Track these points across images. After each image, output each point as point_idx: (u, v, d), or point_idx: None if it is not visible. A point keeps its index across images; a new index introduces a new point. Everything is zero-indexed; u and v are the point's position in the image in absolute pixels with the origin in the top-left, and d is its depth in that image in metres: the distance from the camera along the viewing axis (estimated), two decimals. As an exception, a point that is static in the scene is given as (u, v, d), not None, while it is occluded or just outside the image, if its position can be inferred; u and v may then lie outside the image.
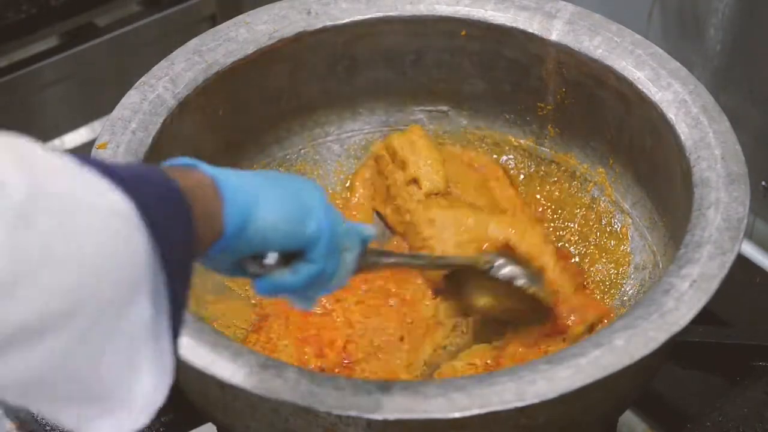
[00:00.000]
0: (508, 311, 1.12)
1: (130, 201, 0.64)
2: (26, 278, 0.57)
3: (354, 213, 1.26)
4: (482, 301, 1.12)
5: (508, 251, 1.13)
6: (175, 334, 0.68)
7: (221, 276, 0.86)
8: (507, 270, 1.09)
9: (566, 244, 1.25)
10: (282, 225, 0.78)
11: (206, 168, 0.75)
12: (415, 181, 1.21)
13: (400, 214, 1.22)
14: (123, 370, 0.64)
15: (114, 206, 0.63)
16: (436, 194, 1.20)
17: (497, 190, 1.25)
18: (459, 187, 1.23)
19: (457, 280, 1.13)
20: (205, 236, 0.72)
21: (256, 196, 0.77)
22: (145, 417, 0.66)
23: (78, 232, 0.60)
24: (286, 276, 0.81)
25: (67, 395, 0.63)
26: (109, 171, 0.64)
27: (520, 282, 1.09)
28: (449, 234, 1.15)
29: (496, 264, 1.09)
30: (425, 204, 1.18)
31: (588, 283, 1.21)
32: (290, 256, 0.81)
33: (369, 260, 0.90)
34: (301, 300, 0.86)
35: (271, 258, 0.81)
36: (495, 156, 1.29)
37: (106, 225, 0.61)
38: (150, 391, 0.65)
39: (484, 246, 1.13)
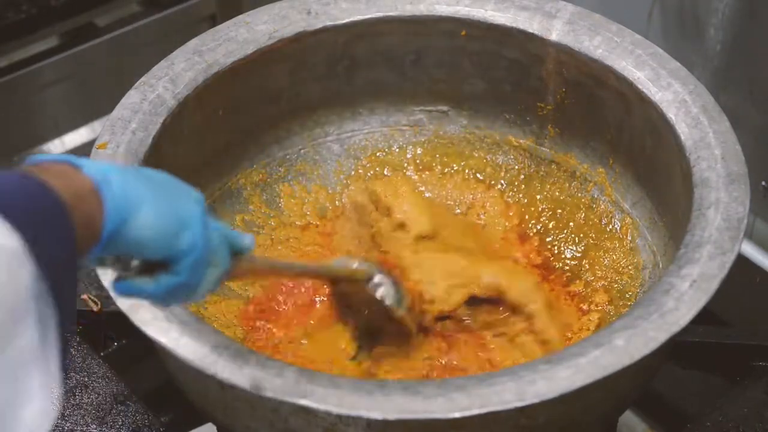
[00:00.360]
0: (378, 324, 1.12)
1: (16, 234, 0.64)
2: None
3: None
4: (359, 312, 1.12)
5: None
6: (64, 348, 0.68)
7: None
8: (380, 289, 1.08)
9: (566, 245, 1.25)
10: (157, 236, 0.78)
11: (89, 169, 0.74)
12: (402, 225, 1.19)
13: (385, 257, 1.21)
14: (5, 401, 0.64)
15: (5, 244, 0.64)
16: (424, 237, 1.18)
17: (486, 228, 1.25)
18: (446, 231, 1.21)
19: (343, 294, 1.13)
20: (83, 243, 0.73)
21: (136, 202, 0.76)
22: None
23: None
24: (147, 284, 0.81)
25: None
26: None
27: (389, 302, 1.08)
28: (438, 277, 1.14)
29: (374, 279, 1.08)
30: (414, 248, 1.17)
31: (588, 284, 1.21)
32: (155, 264, 0.81)
33: (242, 267, 0.89)
34: (158, 304, 0.86)
35: (135, 262, 0.80)
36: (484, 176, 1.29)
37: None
38: (37, 415, 0.66)
39: (474, 290, 1.13)
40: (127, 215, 0.75)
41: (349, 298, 1.12)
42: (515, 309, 1.13)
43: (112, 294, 0.83)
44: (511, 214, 1.28)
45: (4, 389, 0.64)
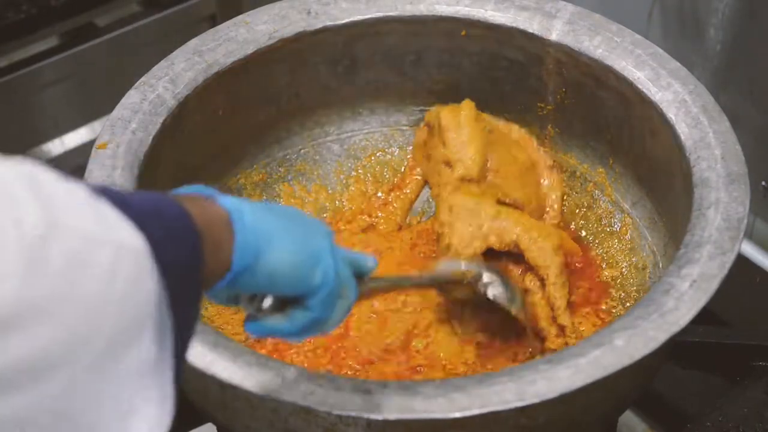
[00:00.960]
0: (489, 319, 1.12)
1: (144, 239, 0.63)
2: (34, 316, 0.57)
3: (407, 184, 1.27)
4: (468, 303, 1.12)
5: (500, 264, 1.13)
6: (178, 371, 0.67)
7: None
8: (490, 289, 1.09)
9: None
10: (291, 271, 0.77)
11: (223, 200, 0.74)
12: (449, 162, 1.20)
13: (433, 189, 1.22)
14: (117, 413, 0.63)
15: (126, 245, 0.62)
16: (470, 180, 1.18)
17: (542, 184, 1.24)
18: (500, 174, 1.20)
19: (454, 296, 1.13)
20: (212, 273, 0.72)
21: (269, 237, 0.75)
22: None
23: (89, 273, 0.60)
24: (282, 323, 0.80)
25: None
26: (124, 204, 0.64)
27: (501, 301, 1.09)
28: (462, 224, 1.14)
29: (483, 281, 1.08)
30: (453, 187, 1.18)
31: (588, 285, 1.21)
32: (286, 300, 0.80)
33: (364, 289, 0.88)
34: (290, 339, 0.86)
35: (268, 302, 0.80)
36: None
37: (116, 265, 0.61)
38: (148, 427, 0.64)
39: (493, 242, 1.13)
40: (260, 250, 0.74)
41: (461, 300, 1.12)
42: (531, 268, 1.13)
43: (247, 332, 0.82)
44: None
45: (118, 400, 0.63)
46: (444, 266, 1.11)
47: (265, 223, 0.76)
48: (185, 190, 0.76)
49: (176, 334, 0.66)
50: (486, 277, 1.09)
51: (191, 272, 0.68)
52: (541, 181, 1.24)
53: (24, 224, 0.57)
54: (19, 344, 0.56)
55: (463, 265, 1.09)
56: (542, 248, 1.12)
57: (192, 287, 0.68)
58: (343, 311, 0.84)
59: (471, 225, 1.14)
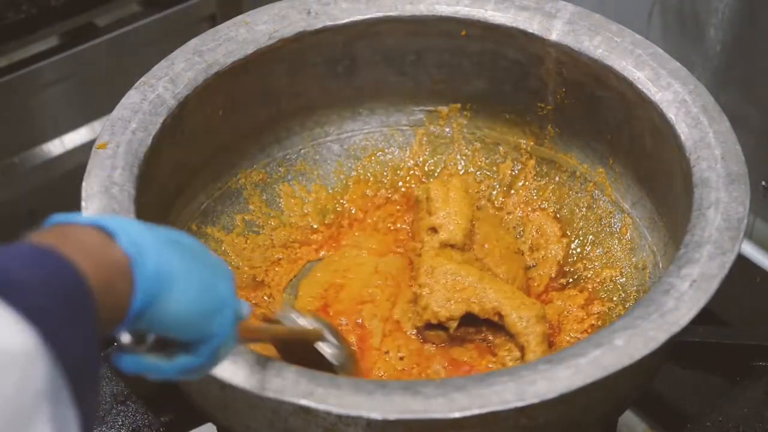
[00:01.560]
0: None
1: (34, 333, 0.60)
2: None
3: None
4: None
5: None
6: None
7: None
8: (327, 347, 1.04)
9: (563, 244, 1.24)
10: (188, 320, 0.74)
11: (124, 241, 0.69)
12: (434, 228, 1.19)
13: (413, 253, 1.21)
14: None
15: (10, 350, 0.59)
16: (452, 246, 1.18)
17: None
18: (485, 250, 1.21)
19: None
20: (108, 324, 0.68)
21: (170, 284, 0.71)
22: None
23: None
24: (162, 363, 0.76)
25: None
26: (10, 291, 0.60)
27: (335, 363, 1.04)
28: (442, 287, 1.14)
29: (324, 341, 1.04)
30: (436, 252, 1.17)
31: (588, 283, 1.21)
32: (172, 342, 0.75)
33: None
34: (161, 378, 0.79)
35: (151, 338, 0.75)
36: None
37: (4, 370, 0.58)
38: None
39: (473, 309, 1.12)
40: (159, 298, 0.70)
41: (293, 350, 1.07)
42: (512, 336, 1.12)
43: (116, 365, 0.76)
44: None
45: None
46: (285, 318, 1.05)
47: (167, 266, 0.71)
48: (77, 220, 0.70)
49: (81, 418, 0.63)
50: (328, 336, 1.04)
51: (88, 350, 0.64)
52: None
53: None
54: None
55: (306, 322, 1.04)
56: (523, 317, 1.11)
57: (91, 364, 0.65)
58: (223, 358, 0.80)
59: (451, 288, 1.14)
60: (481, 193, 1.29)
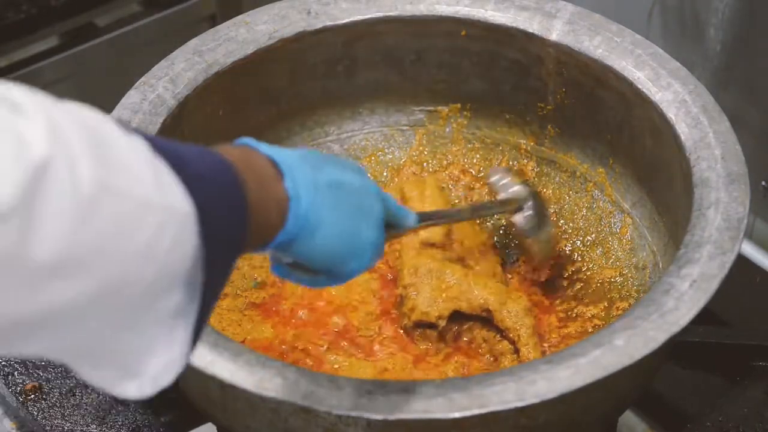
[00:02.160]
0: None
1: (192, 205, 0.67)
2: (80, 266, 0.61)
3: None
4: None
5: (488, 311, 1.13)
6: (201, 321, 0.71)
7: None
8: (517, 216, 1.16)
9: (566, 244, 1.25)
10: (324, 260, 0.82)
11: (289, 183, 0.77)
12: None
13: (393, 254, 1.21)
14: (139, 351, 0.69)
15: (176, 209, 0.66)
16: (433, 245, 1.18)
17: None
18: (463, 247, 1.20)
19: None
20: (254, 238, 0.75)
21: (315, 226, 0.79)
22: (154, 387, 0.71)
23: (135, 234, 0.63)
24: (306, 278, 0.85)
25: (101, 362, 0.70)
26: (181, 165, 0.67)
27: (521, 227, 1.17)
28: (428, 286, 1.14)
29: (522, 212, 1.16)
30: (418, 251, 1.17)
31: (588, 283, 1.21)
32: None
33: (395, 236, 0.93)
34: (306, 286, 0.90)
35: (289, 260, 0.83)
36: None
37: (163, 229, 0.65)
38: (163, 365, 0.71)
39: (461, 306, 1.13)
40: (302, 236, 0.78)
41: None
42: (502, 331, 1.12)
43: (271, 271, 0.86)
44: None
45: (143, 339, 0.69)
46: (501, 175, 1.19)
47: (317, 213, 0.79)
48: (266, 151, 0.78)
49: (205, 289, 0.69)
50: (527, 207, 1.16)
51: (232, 241, 0.71)
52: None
53: (79, 182, 0.60)
54: (56, 291, 0.61)
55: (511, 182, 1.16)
56: (512, 311, 1.12)
57: (229, 253, 0.72)
58: (360, 273, 0.87)
59: (437, 287, 1.14)
60: (454, 189, 1.29)
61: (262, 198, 0.74)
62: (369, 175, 1.30)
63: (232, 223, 0.71)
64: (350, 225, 0.82)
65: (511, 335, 1.11)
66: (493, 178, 1.19)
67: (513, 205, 1.17)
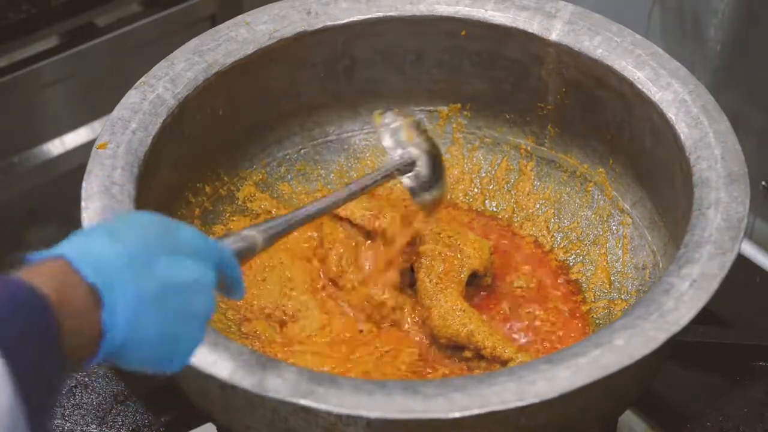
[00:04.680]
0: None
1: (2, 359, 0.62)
2: None
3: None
4: None
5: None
6: None
7: None
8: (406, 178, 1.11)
9: (565, 244, 1.25)
10: (149, 366, 0.76)
11: (107, 313, 0.70)
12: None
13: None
14: None
15: None
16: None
17: None
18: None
19: None
20: (73, 361, 0.70)
21: (138, 342, 0.72)
22: None
23: None
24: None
25: None
26: None
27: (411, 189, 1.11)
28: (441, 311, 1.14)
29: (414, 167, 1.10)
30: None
31: (587, 283, 1.21)
32: None
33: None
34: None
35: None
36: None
37: None
38: None
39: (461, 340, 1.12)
40: (119, 355, 0.72)
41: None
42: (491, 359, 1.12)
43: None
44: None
45: None
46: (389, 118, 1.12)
47: (140, 331, 0.72)
48: (51, 256, 0.71)
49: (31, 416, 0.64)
50: (418, 163, 1.11)
51: (49, 383, 0.66)
52: None
53: None
54: None
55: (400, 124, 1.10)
56: (507, 350, 1.11)
57: (50, 397, 0.66)
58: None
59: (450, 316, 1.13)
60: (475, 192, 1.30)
61: (75, 331, 0.68)
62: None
63: (50, 361, 0.65)
64: (173, 333, 0.75)
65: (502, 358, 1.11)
66: (386, 138, 1.13)
67: (400, 171, 1.10)
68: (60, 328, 0.66)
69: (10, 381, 0.62)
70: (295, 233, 1.04)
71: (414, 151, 1.13)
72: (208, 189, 1.22)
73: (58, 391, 0.68)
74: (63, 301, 0.67)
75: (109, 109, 1.11)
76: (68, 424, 1.08)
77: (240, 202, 1.25)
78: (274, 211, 1.26)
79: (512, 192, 1.29)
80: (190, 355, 0.79)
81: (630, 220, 1.21)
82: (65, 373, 0.69)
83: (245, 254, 0.88)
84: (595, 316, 1.18)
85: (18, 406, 0.62)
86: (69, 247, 0.71)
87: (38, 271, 0.68)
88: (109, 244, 0.72)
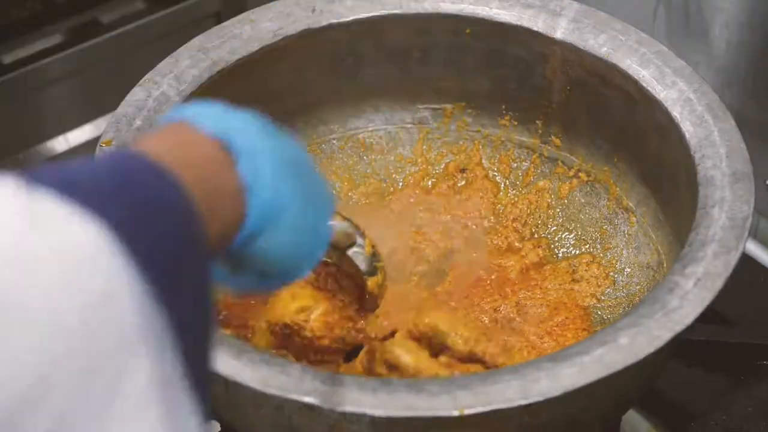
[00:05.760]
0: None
1: (99, 221, 0.46)
2: None
3: None
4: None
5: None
6: (200, 384, 0.51)
7: None
8: (356, 255, 1.06)
9: (570, 243, 1.25)
10: (290, 255, 0.69)
11: (246, 168, 0.61)
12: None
13: None
14: None
15: (75, 239, 0.45)
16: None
17: None
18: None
19: None
20: (213, 235, 0.58)
21: (278, 220, 0.64)
22: None
23: (30, 298, 0.43)
24: (247, 281, 0.71)
25: None
26: (69, 187, 0.47)
27: (362, 268, 1.06)
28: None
29: (356, 245, 1.06)
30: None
31: (591, 282, 1.21)
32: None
33: None
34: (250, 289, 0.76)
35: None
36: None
37: (65, 275, 0.44)
38: None
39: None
40: (264, 228, 0.64)
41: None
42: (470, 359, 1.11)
43: None
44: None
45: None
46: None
47: (281, 199, 0.64)
48: (211, 129, 0.61)
49: (180, 337, 0.49)
50: (359, 242, 1.05)
51: (183, 257, 0.52)
52: None
53: None
54: None
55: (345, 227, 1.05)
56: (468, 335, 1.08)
57: (191, 267, 0.52)
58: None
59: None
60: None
61: (211, 195, 0.57)
62: (372, 172, 1.31)
63: (175, 235, 0.51)
64: (312, 215, 0.69)
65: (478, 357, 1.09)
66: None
67: (347, 239, 1.06)
68: (188, 199, 0.54)
69: (134, 268, 0.46)
70: None
71: (347, 226, 1.07)
72: (212, 186, 1.22)
73: (208, 300, 0.53)
74: (188, 166, 0.56)
75: (113, 107, 1.11)
76: (72, 421, 1.07)
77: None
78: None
79: (516, 190, 1.29)
80: (324, 248, 0.72)
81: (635, 218, 1.21)
82: (209, 259, 0.55)
83: None
84: (598, 314, 1.18)
85: (154, 315, 0.47)
86: (186, 111, 0.62)
87: (155, 142, 0.58)
88: (232, 111, 0.64)
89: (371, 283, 1.08)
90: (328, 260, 1.08)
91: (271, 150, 0.65)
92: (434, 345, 1.07)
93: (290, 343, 1.09)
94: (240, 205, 0.61)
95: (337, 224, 1.05)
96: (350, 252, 1.07)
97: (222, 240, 0.60)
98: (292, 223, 0.66)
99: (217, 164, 0.61)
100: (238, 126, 0.64)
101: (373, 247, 1.08)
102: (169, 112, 0.62)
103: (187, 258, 0.52)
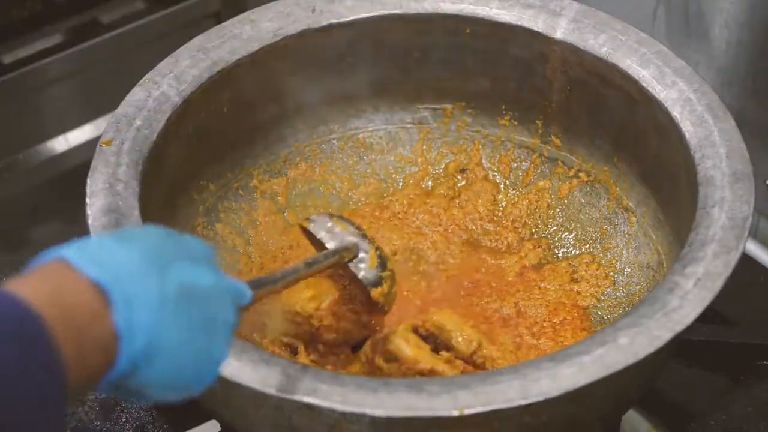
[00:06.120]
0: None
1: None
2: None
3: None
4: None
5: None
6: None
7: None
8: (361, 269, 1.08)
9: (570, 243, 1.24)
10: (171, 386, 0.68)
11: (121, 317, 0.61)
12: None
13: None
14: None
15: None
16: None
17: None
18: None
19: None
20: (75, 387, 0.61)
21: (161, 350, 0.64)
22: None
23: None
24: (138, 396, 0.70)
25: None
26: None
27: (366, 281, 1.08)
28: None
29: (359, 258, 1.08)
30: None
31: (592, 282, 1.21)
32: None
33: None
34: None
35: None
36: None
37: None
38: None
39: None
40: (139, 367, 0.64)
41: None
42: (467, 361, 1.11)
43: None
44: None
45: None
46: (320, 224, 1.09)
47: (164, 336, 0.64)
48: (87, 273, 0.61)
49: None
50: (362, 255, 1.08)
51: (41, 409, 0.57)
52: None
53: None
54: None
55: (338, 229, 1.08)
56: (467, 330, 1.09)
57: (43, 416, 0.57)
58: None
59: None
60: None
61: (78, 342, 0.59)
62: (372, 172, 1.31)
63: (40, 385, 0.56)
64: (200, 341, 0.68)
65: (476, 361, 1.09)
66: (321, 232, 1.10)
67: (349, 253, 1.08)
68: (55, 340, 0.57)
69: None
70: None
71: (352, 238, 1.10)
72: (212, 187, 1.22)
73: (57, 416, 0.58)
74: (59, 306, 0.59)
75: (113, 107, 1.11)
76: (72, 421, 1.08)
77: (245, 200, 1.25)
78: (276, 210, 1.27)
79: (516, 190, 1.29)
80: (218, 370, 0.72)
81: (635, 218, 1.21)
82: (69, 396, 0.59)
83: None
84: (598, 314, 1.18)
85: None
86: (68, 250, 0.62)
87: (32, 277, 0.60)
88: (117, 243, 0.64)
89: (375, 293, 1.09)
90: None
91: (157, 289, 0.64)
92: (438, 342, 1.07)
93: (300, 331, 1.11)
94: (110, 353, 0.61)
95: (340, 238, 1.08)
96: (352, 266, 1.08)
97: (88, 381, 0.61)
98: (171, 358, 0.65)
99: (90, 314, 0.61)
100: (120, 270, 0.62)
101: (379, 257, 1.10)
102: (53, 248, 0.62)
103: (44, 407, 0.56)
